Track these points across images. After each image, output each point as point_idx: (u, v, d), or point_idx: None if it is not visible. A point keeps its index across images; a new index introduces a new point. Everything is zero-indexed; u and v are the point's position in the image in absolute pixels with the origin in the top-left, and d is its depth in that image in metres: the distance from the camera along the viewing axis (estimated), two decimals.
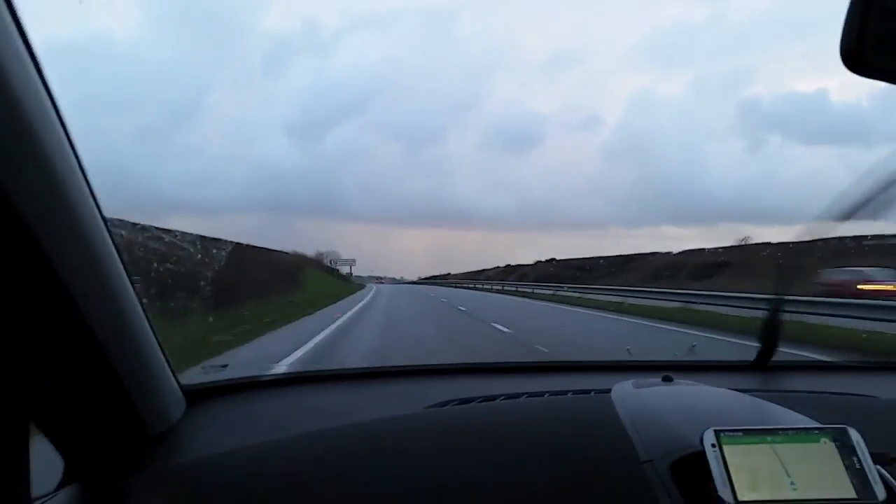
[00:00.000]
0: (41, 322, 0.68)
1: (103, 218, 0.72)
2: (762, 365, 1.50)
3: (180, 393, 1.03)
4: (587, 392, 1.14)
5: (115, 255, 0.74)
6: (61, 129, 0.63)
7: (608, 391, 1.05)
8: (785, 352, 1.49)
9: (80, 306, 0.68)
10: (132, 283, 0.80)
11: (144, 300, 0.84)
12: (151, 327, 0.86)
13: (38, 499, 0.84)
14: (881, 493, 0.75)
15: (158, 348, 0.89)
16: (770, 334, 1.46)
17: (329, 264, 51.59)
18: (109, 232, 0.73)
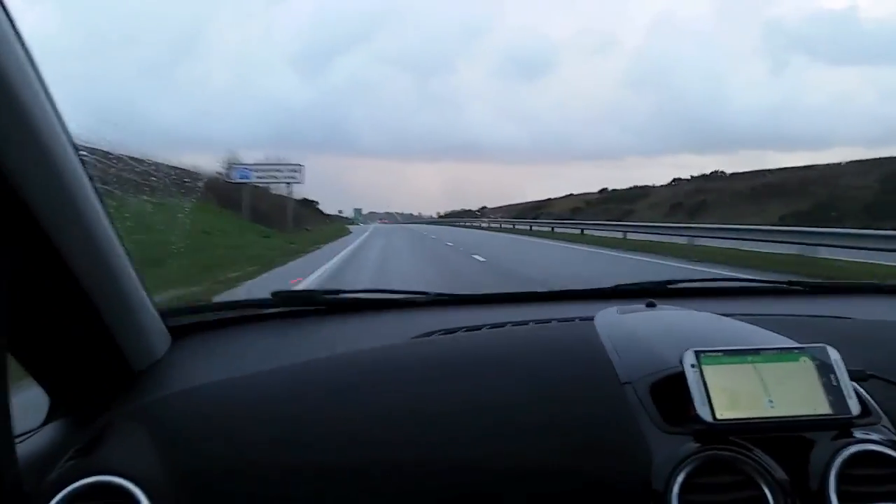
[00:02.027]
0: (12, 255, 0.67)
1: (74, 146, 0.70)
2: (733, 290, 1.52)
3: (164, 328, 1.03)
4: (571, 319, 1.14)
5: (88, 184, 0.73)
6: (21, 50, 0.61)
7: (592, 318, 1.06)
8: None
9: (53, 238, 0.67)
10: (110, 220, 0.79)
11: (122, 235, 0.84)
12: (131, 262, 0.85)
13: (22, 434, 0.86)
14: (855, 408, 0.77)
15: (139, 283, 0.89)
16: None
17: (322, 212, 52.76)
18: (82, 161, 0.72)
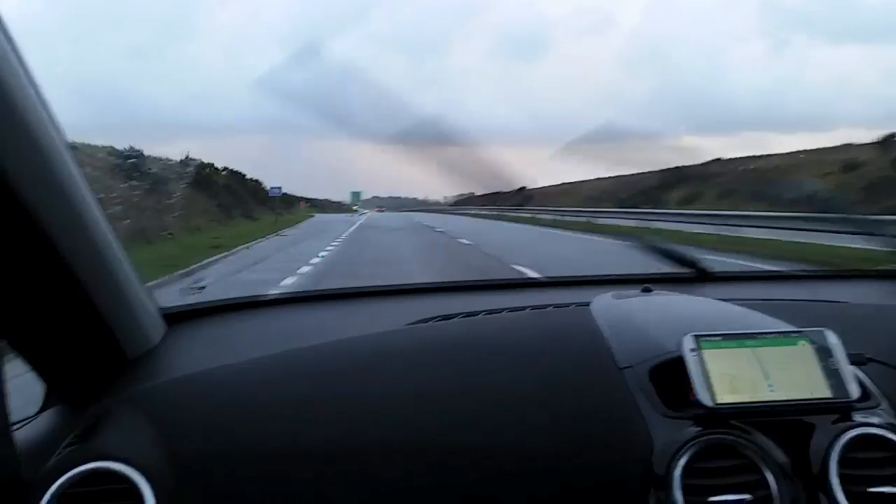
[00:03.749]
0: (2, 244, 0.67)
1: (61, 133, 0.69)
2: (731, 276, 1.52)
3: (158, 315, 1.03)
4: (567, 305, 1.14)
5: (76, 171, 0.72)
6: (9, 49, 0.60)
7: (588, 304, 1.05)
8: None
9: (43, 226, 0.66)
10: (100, 207, 0.78)
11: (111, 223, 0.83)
12: (123, 249, 0.85)
13: (19, 422, 0.85)
14: (855, 391, 0.77)
15: (131, 270, 0.88)
16: None
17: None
18: (70, 148, 0.71)
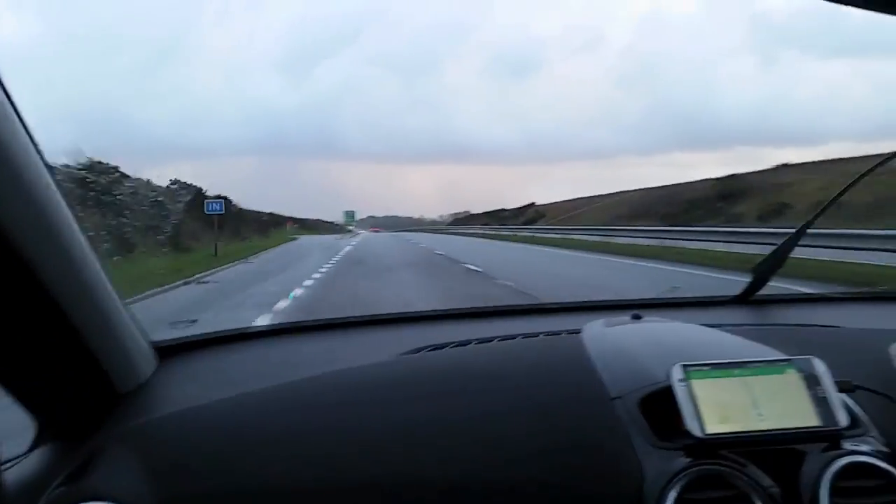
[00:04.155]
0: None
1: (48, 167, 0.70)
2: (743, 300, 1.53)
3: (150, 350, 1.02)
4: (558, 333, 1.15)
5: (64, 205, 0.73)
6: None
7: (579, 331, 1.06)
8: (774, 285, 1.46)
9: (30, 261, 0.67)
10: (88, 241, 0.78)
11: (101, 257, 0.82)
12: (112, 284, 0.85)
13: (9, 461, 0.85)
14: (844, 419, 0.77)
15: (121, 304, 0.88)
16: (763, 269, 1.44)
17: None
18: (57, 183, 0.71)
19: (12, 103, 0.64)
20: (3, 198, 0.61)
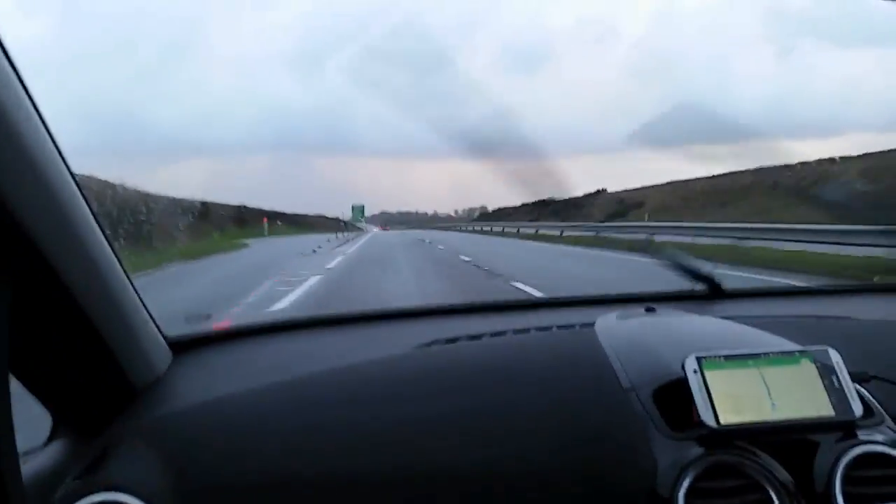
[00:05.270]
0: (10, 275, 0.67)
1: (67, 166, 0.70)
2: (760, 292, 1.49)
3: (165, 344, 1.03)
4: (571, 326, 1.14)
5: (83, 202, 0.73)
6: (13, 73, 0.61)
7: (592, 324, 1.06)
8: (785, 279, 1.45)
9: (49, 257, 0.67)
10: (106, 238, 0.79)
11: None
12: (129, 280, 0.86)
13: (26, 453, 0.86)
14: (858, 409, 0.77)
15: (138, 300, 0.89)
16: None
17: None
18: (75, 180, 0.72)
19: (34, 104, 0.65)
20: (26, 196, 0.62)
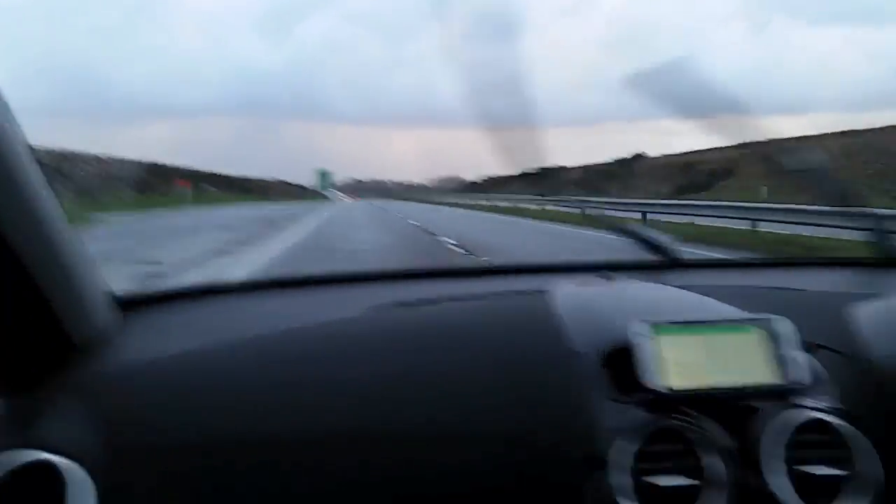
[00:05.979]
0: None
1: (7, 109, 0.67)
2: (715, 262, 1.50)
3: (111, 300, 0.99)
4: (527, 292, 1.14)
5: (20, 137, 0.70)
6: None
7: (547, 291, 1.05)
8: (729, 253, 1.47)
9: None
10: (48, 184, 0.75)
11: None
12: (71, 231, 0.81)
13: None
14: (805, 377, 0.79)
15: (83, 250, 0.85)
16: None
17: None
18: (13, 122, 0.69)
19: None
20: None
